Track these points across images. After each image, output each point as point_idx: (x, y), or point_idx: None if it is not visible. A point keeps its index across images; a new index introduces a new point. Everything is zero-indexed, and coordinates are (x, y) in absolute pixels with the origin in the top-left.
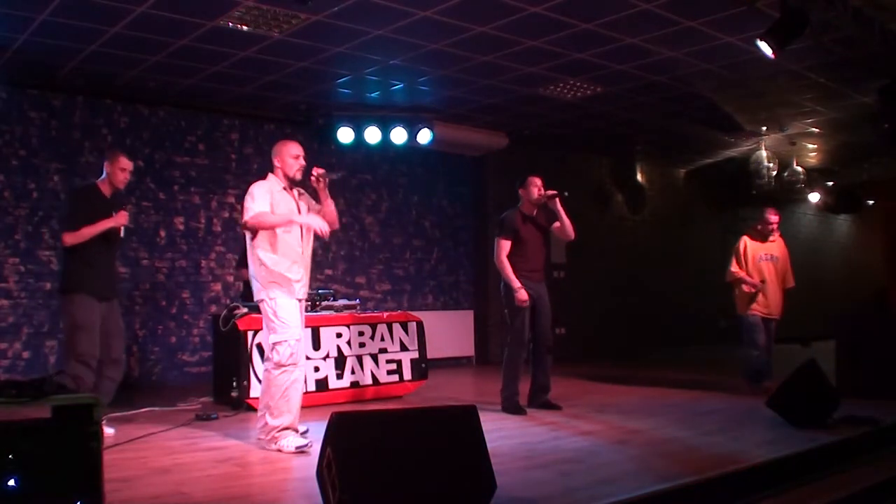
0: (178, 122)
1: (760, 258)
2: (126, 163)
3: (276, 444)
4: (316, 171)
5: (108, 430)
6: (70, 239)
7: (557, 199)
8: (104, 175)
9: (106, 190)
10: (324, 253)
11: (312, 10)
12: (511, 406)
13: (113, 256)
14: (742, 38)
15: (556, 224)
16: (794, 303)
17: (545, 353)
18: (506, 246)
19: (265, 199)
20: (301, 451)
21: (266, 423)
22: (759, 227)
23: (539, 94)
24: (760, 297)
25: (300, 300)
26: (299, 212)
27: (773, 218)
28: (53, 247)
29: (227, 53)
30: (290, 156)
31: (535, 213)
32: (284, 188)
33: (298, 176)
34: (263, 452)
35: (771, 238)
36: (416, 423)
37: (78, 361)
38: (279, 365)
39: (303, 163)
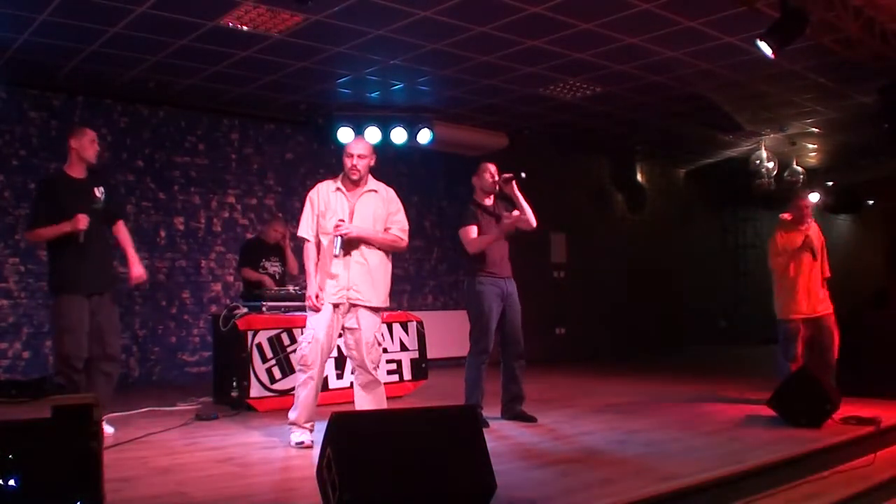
0: (178, 122)
1: (795, 249)
2: (93, 133)
3: (288, 435)
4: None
5: (108, 430)
6: (29, 238)
7: (514, 183)
8: (70, 157)
9: (77, 172)
10: None
11: (312, 10)
12: None
13: (103, 247)
14: (742, 38)
15: (515, 212)
16: None
17: (516, 357)
18: (472, 230)
19: (307, 214)
20: (299, 446)
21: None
22: (792, 214)
23: (539, 94)
24: (801, 297)
25: (335, 304)
26: (350, 215)
27: (807, 201)
28: None
29: (227, 53)
30: (345, 154)
31: (491, 202)
32: (338, 189)
33: (352, 175)
34: (263, 452)
35: (804, 226)
36: (416, 423)
37: (62, 363)
38: (297, 363)
39: (355, 163)
